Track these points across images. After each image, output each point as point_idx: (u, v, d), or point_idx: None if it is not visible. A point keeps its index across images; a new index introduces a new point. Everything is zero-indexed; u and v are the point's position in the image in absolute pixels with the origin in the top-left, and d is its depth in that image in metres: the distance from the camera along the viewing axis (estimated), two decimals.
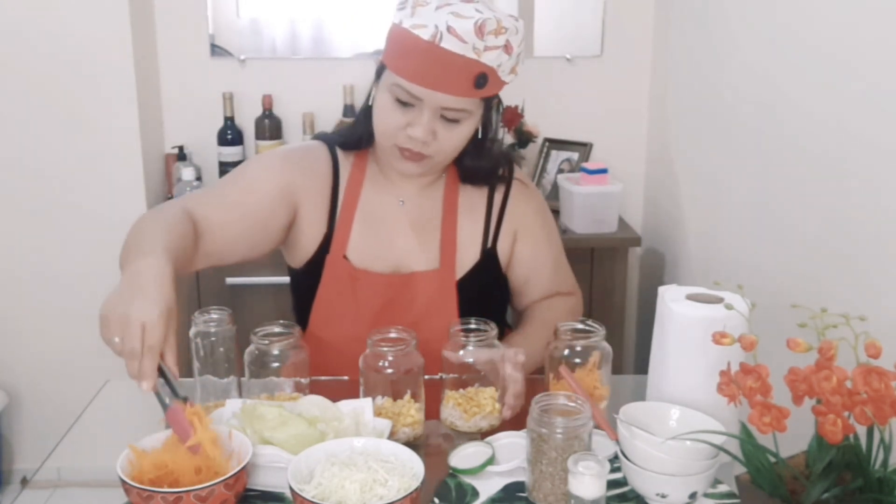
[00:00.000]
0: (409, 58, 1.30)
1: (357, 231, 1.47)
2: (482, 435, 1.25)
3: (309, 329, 1.49)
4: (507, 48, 1.31)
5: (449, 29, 1.26)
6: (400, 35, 1.31)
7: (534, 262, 1.55)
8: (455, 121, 1.34)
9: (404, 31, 1.30)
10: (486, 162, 1.48)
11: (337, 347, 1.46)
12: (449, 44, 1.27)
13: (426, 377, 1.27)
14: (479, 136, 1.43)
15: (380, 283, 1.45)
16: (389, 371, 1.23)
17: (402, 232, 1.48)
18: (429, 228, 1.49)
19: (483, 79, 1.31)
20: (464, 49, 1.27)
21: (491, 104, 1.41)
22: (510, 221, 1.52)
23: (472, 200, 1.51)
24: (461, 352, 1.26)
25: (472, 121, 1.37)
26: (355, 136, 1.49)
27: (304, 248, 1.48)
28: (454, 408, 1.27)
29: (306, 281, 1.49)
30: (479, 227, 1.50)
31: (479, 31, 1.27)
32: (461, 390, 1.29)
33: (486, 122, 1.43)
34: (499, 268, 1.54)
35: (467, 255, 1.49)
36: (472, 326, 1.29)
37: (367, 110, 1.43)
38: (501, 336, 1.53)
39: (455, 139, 1.37)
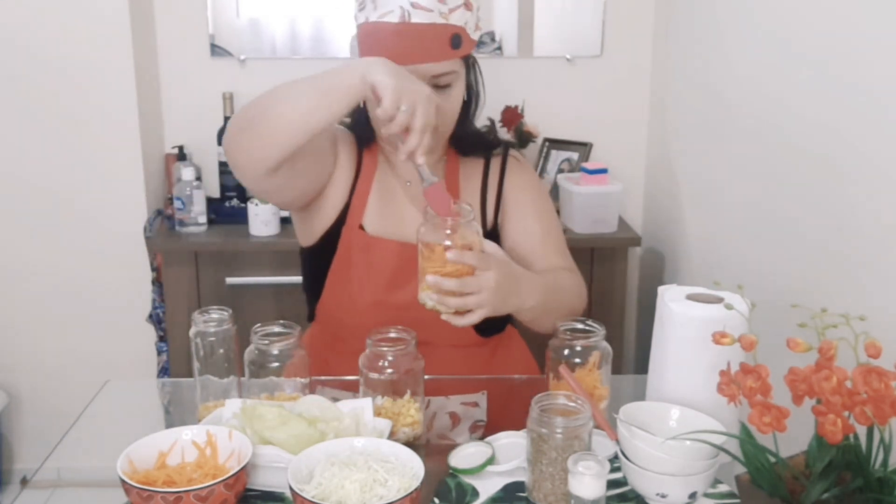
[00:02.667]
0: (386, 45, 1.36)
1: (372, 204, 1.51)
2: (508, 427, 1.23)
3: (322, 299, 1.52)
4: (467, 5, 1.39)
5: (413, 4, 1.34)
6: (370, 29, 1.38)
7: (526, 234, 1.54)
8: (447, 85, 1.41)
9: (373, 25, 1.37)
10: (473, 128, 1.54)
11: (350, 315, 1.49)
12: (418, 18, 1.34)
13: (427, 377, 1.27)
14: (466, 98, 1.49)
15: (392, 249, 1.48)
16: (389, 371, 1.23)
17: (412, 209, 1.51)
18: None
19: (457, 39, 1.38)
20: (432, 17, 1.35)
21: (469, 65, 1.48)
22: (509, 200, 1.55)
23: (471, 174, 1.55)
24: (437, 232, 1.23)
25: (461, 82, 1.44)
26: (357, 135, 1.55)
27: (322, 219, 1.52)
28: (425, 290, 1.24)
29: (321, 254, 1.52)
30: (476, 200, 1.54)
31: None
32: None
33: (468, 84, 1.49)
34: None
35: None
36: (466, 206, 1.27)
37: (360, 112, 1.49)
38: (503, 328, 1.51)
39: (452, 103, 1.44)
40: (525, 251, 1.52)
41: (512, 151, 1.60)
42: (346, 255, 1.49)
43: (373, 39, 1.38)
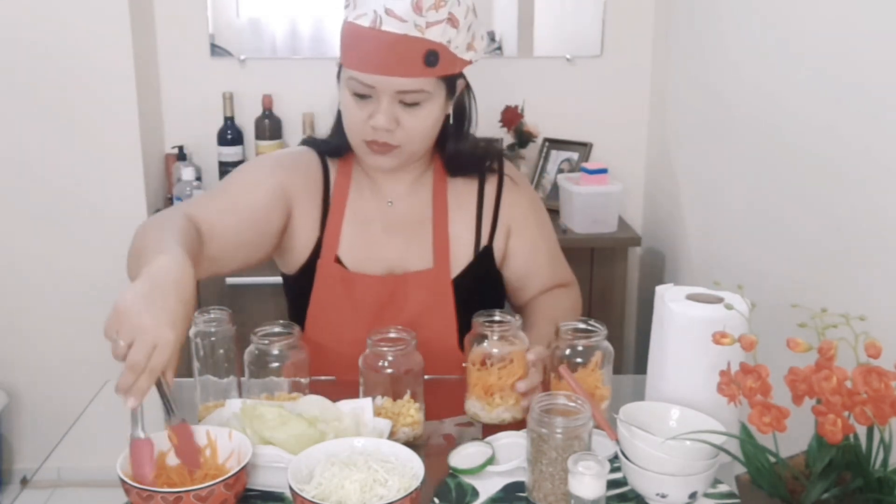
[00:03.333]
0: (355, 49, 1.31)
1: (347, 234, 1.47)
2: (506, 427, 1.25)
3: (305, 334, 1.48)
4: (451, 21, 1.30)
5: (387, 11, 1.28)
6: (347, 30, 1.34)
7: (531, 256, 1.54)
8: (415, 104, 1.34)
9: (349, 25, 1.33)
10: (467, 148, 1.48)
11: (335, 351, 1.46)
12: (389, 26, 1.28)
13: (426, 377, 1.26)
14: (452, 121, 1.44)
15: (374, 284, 1.45)
16: (389, 371, 1.23)
17: (393, 233, 1.48)
18: (420, 227, 1.49)
19: (433, 56, 1.30)
20: (405, 28, 1.28)
21: (455, 86, 1.40)
22: (504, 218, 1.52)
23: (462, 196, 1.51)
24: (485, 343, 1.26)
25: (433, 103, 1.36)
26: (334, 144, 1.50)
27: (297, 253, 1.48)
28: (476, 400, 1.27)
29: (300, 286, 1.49)
30: (472, 223, 1.50)
31: (417, 7, 1.28)
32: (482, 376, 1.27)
33: (457, 105, 1.43)
34: (494, 265, 1.53)
35: (461, 253, 1.48)
36: (497, 318, 1.28)
37: (339, 116, 1.45)
38: None
39: (420, 124, 1.36)
40: (523, 269, 1.53)
41: (508, 169, 1.54)
42: (324, 290, 1.46)
43: (347, 40, 1.34)
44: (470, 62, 1.38)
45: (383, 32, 1.28)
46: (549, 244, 1.58)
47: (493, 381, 1.25)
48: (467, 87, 1.45)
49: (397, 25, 1.28)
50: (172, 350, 1.02)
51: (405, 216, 1.49)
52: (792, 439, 0.95)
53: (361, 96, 1.34)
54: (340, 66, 1.38)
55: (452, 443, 1.29)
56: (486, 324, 1.27)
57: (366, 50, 1.30)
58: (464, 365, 1.29)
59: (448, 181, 1.51)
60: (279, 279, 1.59)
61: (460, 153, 1.48)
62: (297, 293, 1.51)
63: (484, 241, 1.50)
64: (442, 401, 1.32)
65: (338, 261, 1.46)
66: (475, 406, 1.27)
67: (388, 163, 1.40)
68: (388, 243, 1.48)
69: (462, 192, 1.51)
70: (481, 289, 1.52)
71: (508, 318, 1.28)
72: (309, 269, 1.47)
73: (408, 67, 1.30)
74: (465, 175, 1.51)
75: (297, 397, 1.24)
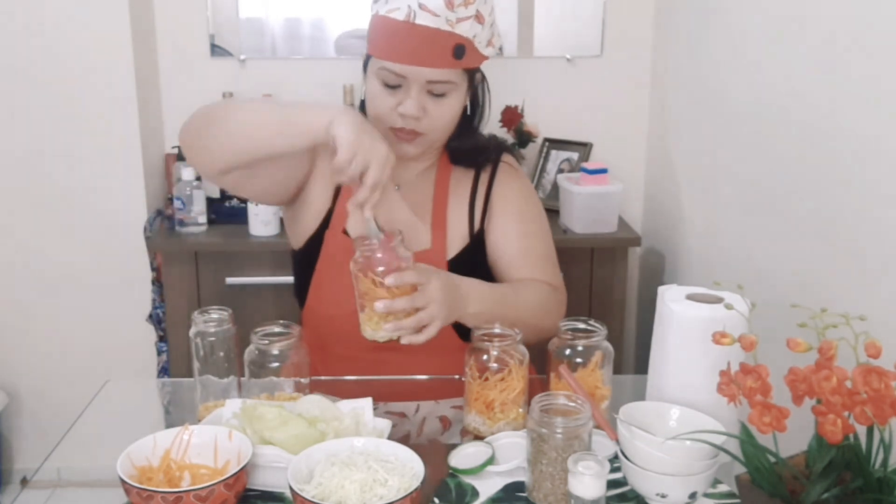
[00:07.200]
0: (388, 40, 1.37)
1: (354, 213, 1.49)
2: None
3: (307, 304, 1.53)
4: (478, 17, 1.38)
5: (421, 6, 1.34)
6: (378, 23, 1.39)
7: (514, 242, 1.53)
8: (442, 94, 1.41)
9: (381, 18, 1.38)
10: (472, 140, 1.54)
11: (334, 320, 1.49)
12: (423, 20, 1.34)
13: (424, 377, 1.26)
14: (469, 112, 1.50)
15: None
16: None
17: (399, 215, 1.51)
18: (423, 211, 1.53)
19: (461, 49, 1.38)
20: (437, 22, 1.35)
21: (475, 78, 1.47)
22: (494, 200, 1.54)
23: (461, 182, 1.55)
24: (484, 356, 1.24)
25: (458, 94, 1.43)
26: None
27: (307, 223, 1.52)
28: (477, 415, 1.27)
29: (307, 259, 1.52)
30: (466, 206, 1.53)
31: (449, 3, 1.35)
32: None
33: (472, 98, 1.49)
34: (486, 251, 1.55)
35: (457, 236, 1.52)
36: (497, 331, 1.27)
37: (362, 105, 1.49)
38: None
39: (445, 113, 1.43)
40: (503, 262, 1.52)
41: (506, 157, 1.58)
42: (329, 260, 1.49)
43: (378, 33, 1.39)
44: (487, 58, 1.44)
45: (416, 26, 1.34)
46: (537, 238, 1.56)
47: (494, 395, 1.25)
48: (483, 79, 1.51)
49: (430, 20, 1.34)
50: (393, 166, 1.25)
51: (411, 200, 1.53)
52: (792, 439, 0.95)
53: (391, 86, 1.40)
54: (368, 58, 1.43)
55: (448, 425, 1.29)
56: (486, 337, 1.26)
57: (399, 42, 1.36)
58: (462, 379, 1.29)
59: (451, 170, 1.55)
60: (279, 279, 1.60)
61: (467, 144, 1.53)
62: (304, 267, 1.54)
63: (477, 225, 1.53)
64: (438, 382, 1.32)
65: (345, 233, 1.50)
66: (476, 421, 1.27)
67: (413, 150, 1.46)
68: (395, 220, 1.50)
69: (462, 179, 1.55)
70: (478, 271, 1.53)
71: (508, 331, 1.27)
72: (316, 241, 1.51)
73: (438, 59, 1.36)
74: (467, 165, 1.55)
75: (297, 397, 1.24)
